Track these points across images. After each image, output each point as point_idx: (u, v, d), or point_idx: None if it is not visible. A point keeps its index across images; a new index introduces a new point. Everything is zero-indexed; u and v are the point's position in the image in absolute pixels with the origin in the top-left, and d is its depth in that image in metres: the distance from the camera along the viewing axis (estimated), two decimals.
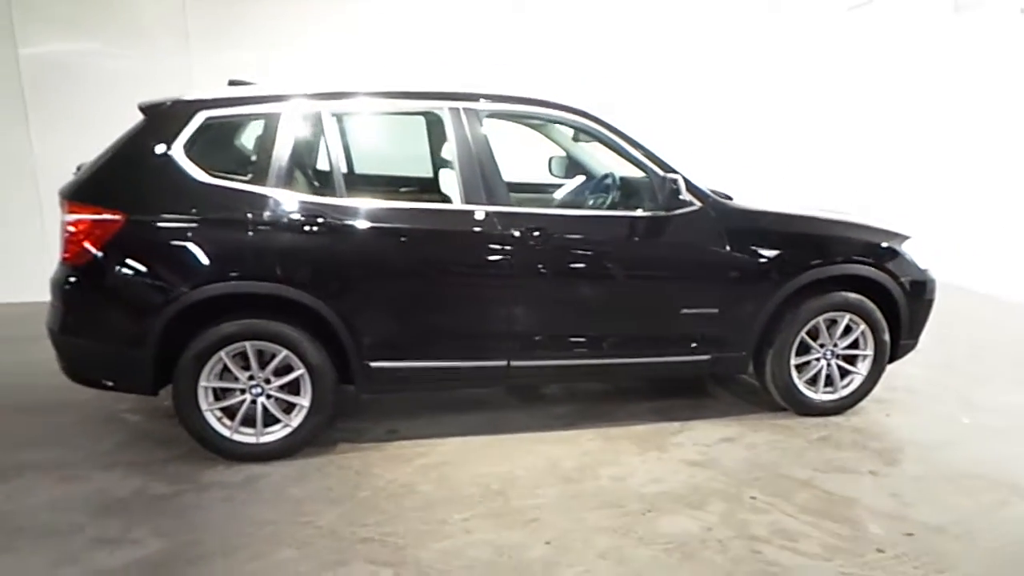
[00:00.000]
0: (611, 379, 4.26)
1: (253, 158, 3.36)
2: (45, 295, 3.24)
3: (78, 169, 3.54)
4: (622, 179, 3.88)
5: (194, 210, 3.16)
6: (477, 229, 3.36)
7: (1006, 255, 5.71)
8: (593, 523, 2.90)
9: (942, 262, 3.95)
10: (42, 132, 5.96)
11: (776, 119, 6.57)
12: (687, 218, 3.55)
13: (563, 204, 4.17)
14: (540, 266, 3.42)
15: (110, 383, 3.35)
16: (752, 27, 6.54)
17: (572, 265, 3.48)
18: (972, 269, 5.54)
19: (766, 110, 6.57)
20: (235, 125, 3.48)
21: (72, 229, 3.13)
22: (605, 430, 3.76)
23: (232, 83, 3.62)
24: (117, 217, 3.10)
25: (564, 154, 4.73)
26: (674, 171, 3.54)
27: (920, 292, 3.88)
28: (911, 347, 4.01)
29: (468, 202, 3.38)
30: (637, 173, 3.70)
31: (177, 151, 3.19)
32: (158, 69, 5.90)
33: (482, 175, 3.40)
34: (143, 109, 3.33)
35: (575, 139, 4.32)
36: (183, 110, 3.24)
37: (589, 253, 3.50)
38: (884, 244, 3.79)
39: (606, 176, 4.05)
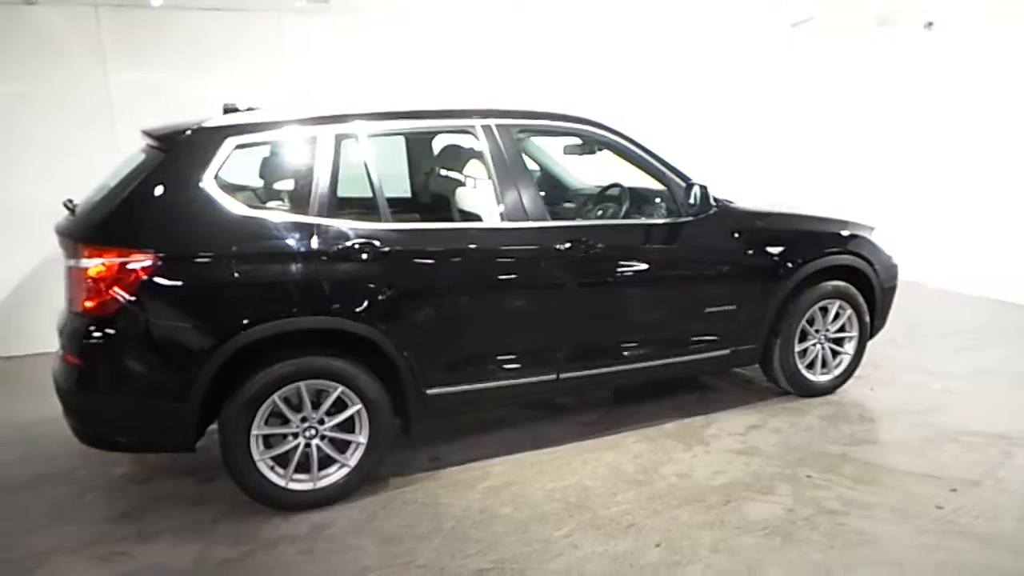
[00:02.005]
0: (644, 381, 4.27)
1: (290, 185, 3.15)
2: None
3: (68, 206, 3.16)
4: (631, 189, 4.03)
5: (235, 245, 2.91)
6: (525, 245, 3.36)
7: (922, 246, 6.49)
8: (686, 520, 3.00)
9: None
10: None
11: (740, 124, 7.08)
12: (707, 222, 3.75)
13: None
14: (584, 277, 3.49)
15: (141, 444, 3.02)
16: (727, 36, 7.03)
17: (613, 274, 3.56)
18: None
19: (729, 119, 7.08)
20: (266, 151, 3.23)
21: (93, 275, 2.77)
22: (641, 431, 3.87)
23: (227, 110, 3.35)
24: (148, 258, 2.79)
25: (536, 167, 4.82)
26: (690, 179, 3.75)
27: (889, 277, 4.35)
28: (881, 327, 4.48)
29: (509, 219, 3.38)
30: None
31: (208, 182, 2.93)
32: (68, 88, 5.29)
33: (521, 191, 3.40)
34: (158, 137, 3.05)
35: (567, 152, 4.41)
36: (209, 138, 2.98)
37: (628, 261, 3.60)
38: (864, 235, 4.21)
39: (611, 187, 4.20)
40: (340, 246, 3.03)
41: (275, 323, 2.93)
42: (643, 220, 3.79)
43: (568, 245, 3.42)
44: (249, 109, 3.31)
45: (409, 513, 3.11)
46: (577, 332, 3.54)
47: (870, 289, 4.26)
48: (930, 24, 6.02)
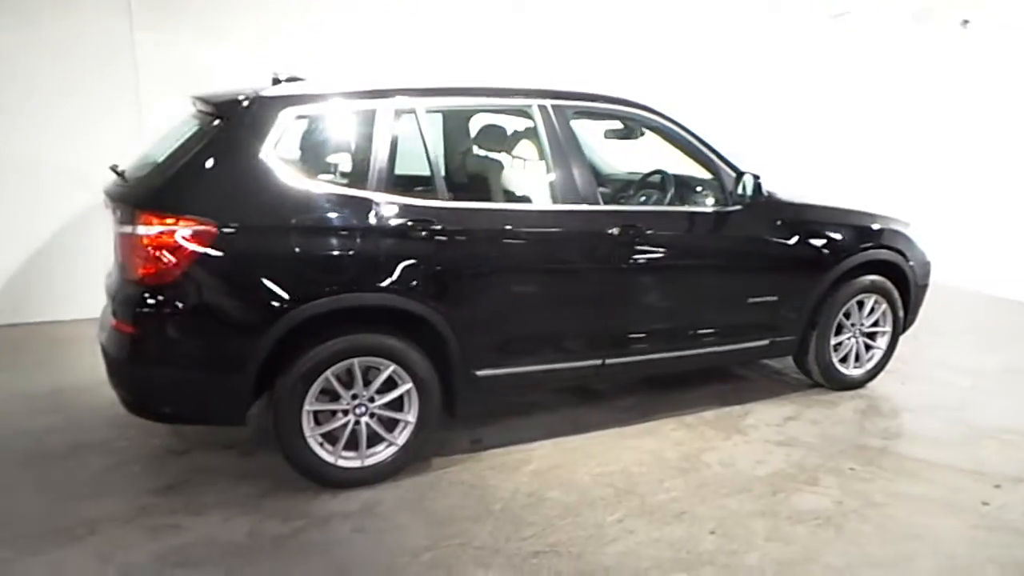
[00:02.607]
0: (684, 369, 4.20)
1: (348, 159, 3.10)
2: None
3: (117, 171, 3.10)
4: (675, 176, 4.01)
5: (294, 218, 2.87)
6: (578, 228, 3.34)
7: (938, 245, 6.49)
8: (736, 509, 3.01)
9: None
10: None
11: (769, 118, 6.94)
12: (754, 212, 3.74)
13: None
14: (634, 263, 3.46)
15: (192, 416, 2.99)
16: (747, 31, 6.91)
17: (661, 260, 3.55)
18: None
19: (760, 110, 6.94)
20: (324, 123, 3.17)
21: (151, 242, 2.72)
22: (679, 419, 3.88)
23: (277, 80, 3.26)
24: (210, 228, 2.74)
25: None
26: (739, 168, 3.73)
27: (924, 274, 4.36)
28: (912, 323, 4.49)
29: (563, 201, 3.34)
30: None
31: (268, 152, 2.87)
32: (91, 46, 5.14)
33: (575, 173, 3.37)
34: (215, 105, 2.98)
35: (608, 137, 4.36)
36: (269, 108, 2.92)
37: (677, 248, 3.59)
38: (901, 231, 4.22)
39: (652, 173, 4.17)
40: (398, 223, 2.99)
41: (334, 298, 2.89)
42: (693, 208, 3.76)
43: (618, 230, 3.40)
44: (291, 79, 3.21)
45: (457, 494, 3.10)
46: (624, 318, 3.53)
47: (905, 285, 4.27)
48: (966, 22, 6.02)
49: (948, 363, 4.83)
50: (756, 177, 3.61)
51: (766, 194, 3.77)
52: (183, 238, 2.72)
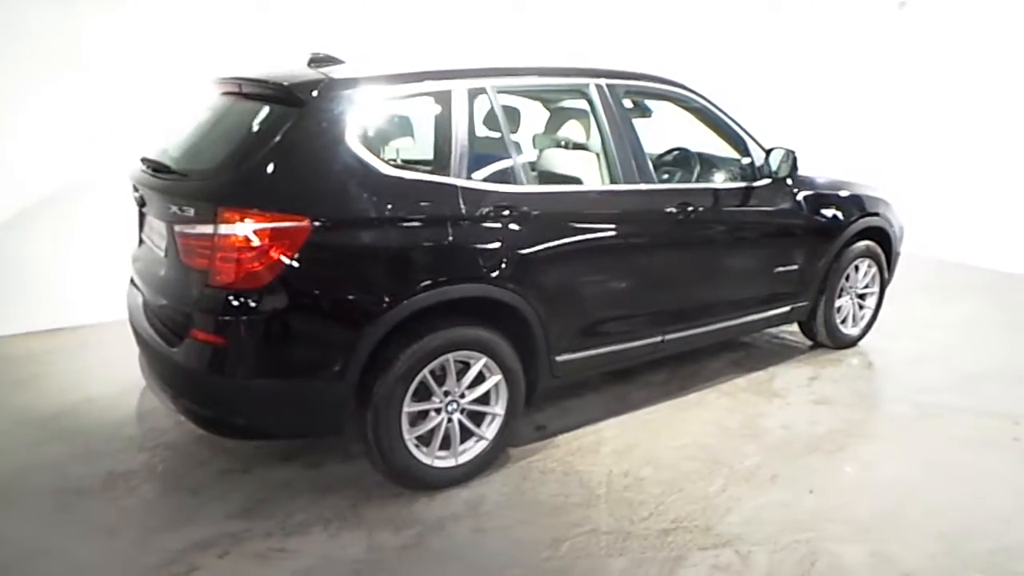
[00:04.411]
0: (725, 339, 4.32)
1: (428, 144, 2.93)
2: None
3: (153, 162, 2.80)
4: (699, 154, 4.12)
5: (386, 209, 2.68)
6: (644, 208, 3.36)
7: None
8: (818, 466, 3.20)
9: None
10: None
11: (771, 114, 6.87)
12: (779, 186, 3.93)
13: None
14: (688, 239, 3.55)
15: (287, 429, 2.76)
16: (753, 26, 7.04)
17: (711, 235, 3.66)
18: None
19: (764, 108, 6.88)
20: (401, 107, 2.96)
21: (239, 243, 2.45)
22: (716, 387, 4.02)
23: (314, 59, 3.02)
24: (302, 223, 2.51)
25: None
26: (759, 145, 3.91)
27: (901, 238, 4.77)
28: (890, 283, 4.91)
29: (626, 181, 3.35)
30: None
31: (351, 139, 2.66)
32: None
33: (635, 153, 3.38)
34: (284, 88, 2.71)
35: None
36: (344, 91, 2.69)
37: (727, 223, 3.71)
38: (883, 198, 4.58)
39: (671, 151, 4.26)
40: (485, 209, 2.87)
41: (435, 291, 2.74)
42: (733, 184, 3.87)
43: (675, 208, 3.45)
44: (325, 58, 2.97)
45: (554, 482, 3.06)
46: (682, 294, 3.61)
47: (889, 248, 4.65)
48: (903, 3, 6.55)
49: (914, 318, 5.30)
50: (792, 153, 3.78)
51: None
52: (274, 237, 2.47)
